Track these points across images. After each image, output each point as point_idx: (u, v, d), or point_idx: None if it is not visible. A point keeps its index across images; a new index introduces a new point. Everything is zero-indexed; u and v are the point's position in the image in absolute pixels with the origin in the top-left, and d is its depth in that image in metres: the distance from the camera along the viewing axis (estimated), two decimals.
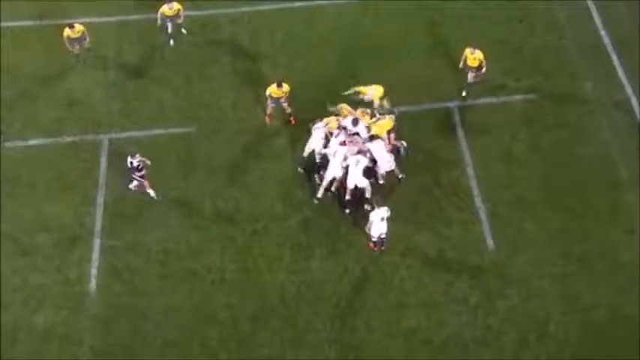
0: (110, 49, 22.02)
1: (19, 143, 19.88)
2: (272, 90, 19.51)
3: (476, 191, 18.70)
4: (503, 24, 22.34)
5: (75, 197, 18.85)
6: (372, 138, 18.35)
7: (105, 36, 22.28)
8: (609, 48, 21.45)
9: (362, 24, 22.47)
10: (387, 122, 18.64)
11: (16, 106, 20.62)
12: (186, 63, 21.56)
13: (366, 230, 17.26)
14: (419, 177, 18.98)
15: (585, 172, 18.92)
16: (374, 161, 18.23)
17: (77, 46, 20.91)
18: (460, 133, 19.86)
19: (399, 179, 18.65)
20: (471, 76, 20.10)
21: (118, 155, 19.64)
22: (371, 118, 18.77)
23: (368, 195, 18.02)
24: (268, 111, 19.93)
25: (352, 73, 20.95)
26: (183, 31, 21.88)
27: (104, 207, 18.66)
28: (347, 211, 18.22)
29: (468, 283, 17.13)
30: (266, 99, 19.74)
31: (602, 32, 21.79)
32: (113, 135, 20.10)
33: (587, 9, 22.48)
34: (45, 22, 22.70)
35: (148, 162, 18.37)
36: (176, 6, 21.20)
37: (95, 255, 17.81)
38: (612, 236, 17.85)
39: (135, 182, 18.63)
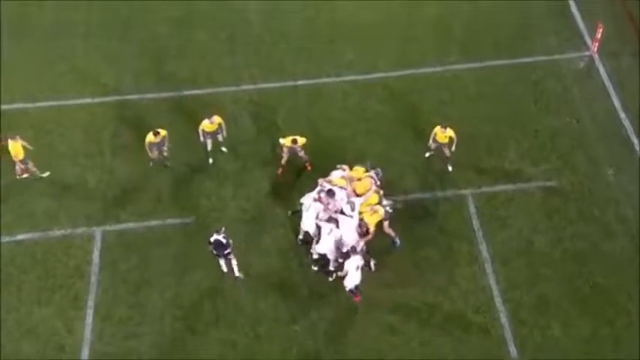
0: (105, 132, 21.00)
1: (7, 239, 18.66)
2: (286, 142, 19.08)
3: (495, 291, 17.38)
4: (517, 104, 21.37)
5: (64, 299, 17.55)
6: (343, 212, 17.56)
7: (99, 118, 21.33)
8: (630, 130, 20.39)
9: (369, 104, 21.50)
10: (376, 215, 17.58)
11: (6, 197, 19.45)
12: (185, 148, 20.46)
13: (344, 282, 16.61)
14: (434, 274, 17.71)
15: (613, 270, 17.61)
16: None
17: (156, 152, 19.60)
18: (476, 224, 18.64)
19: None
20: (446, 151, 19.31)
21: (110, 250, 18.44)
22: (377, 202, 17.76)
23: (331, 268, 17.34)
24: (283, 161, 19.36)
25: (359, 156, 19.89)
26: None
27: (95, 310, 17.34)
28: (315, 269, 17.63)
29: None
30: (281, 148, 19.18)
31: (622, 115, 20.75)
32: (107, 227, 18.89)
33: (605, 88, 21.50)
34: (38, 104, 21.77)
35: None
36: (217, 120, 19.62)
37: None
38: None
39: (230, 262, 17.44)
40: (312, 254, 17.67)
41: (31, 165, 19.58)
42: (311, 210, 17.66)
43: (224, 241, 17.05)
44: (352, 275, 16.51)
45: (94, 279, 17.89)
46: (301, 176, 19.54)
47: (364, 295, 17.19)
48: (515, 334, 16.62)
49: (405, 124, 20.81)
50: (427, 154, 19.82)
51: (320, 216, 17.53)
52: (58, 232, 18.80)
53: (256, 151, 20.36)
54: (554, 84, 21.75)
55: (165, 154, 19.75)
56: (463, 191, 19.31)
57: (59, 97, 21.94)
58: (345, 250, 17.08)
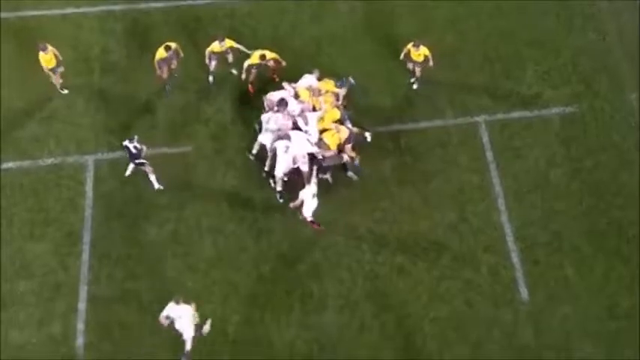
0: (93, 49, 19.49)
1: None
2: (253, 61, 17.89)
3: (508, 228, 16.65)
4: (538, 18, 19.77)
5: (58, 234, 16.78)
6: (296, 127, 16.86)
7: (86, 31, 19.73)
8: None
9: (376, 20, 19.87)
10: (338, 136, 16.66)
11: None
12: (179, 66, 18.99)
13: (299, 212, 16.00)
14: (443, 209, 16.91)
15: (633, 204, 16.78)
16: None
17: (166, 69, 18.13)
18: (489, 155, 17.63)
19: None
20: (417, 70, 18.14)
21: (104, 180, 17.50)
22: (339, 121, 16.94)
23: (278, 187, 16.71)
24: (251, 78, 18.21)
25: (366, 78, 18.57)
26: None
27: (90, 246, 16.62)
28: (280, 198, 16.95)
29: (499, 344, 15.29)
30: (248, 69, 17.95)
31: None
32: (99, 156, 17.84)
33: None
34: (18, 13, 20.05)
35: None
36: (228, 43, 18.09)
37: (82, 306, 15.90)
38: None
39: (147, 174, 17.07)
40: (266, 172, 16.99)
41: (58, 75, 18.32)
42: (271, 122, 16.79)
43: (134, 150, 16.55)
44: (309, 204, 15.86)
45: (88, 212, 17.08)
46: None
47: (372, 234, 16.52)
48: (527, 274, 16.04)
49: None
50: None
51: (279, 125, 16.77)
52: (47, 161, 17.79)
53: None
54: None
55: (173, 67, 18.31)
56: (476, 118, 18.16)
57: (41, 4, 20.19)
58: (302, 167, 16.50)
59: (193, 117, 18.40)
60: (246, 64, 17.98)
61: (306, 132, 16.71)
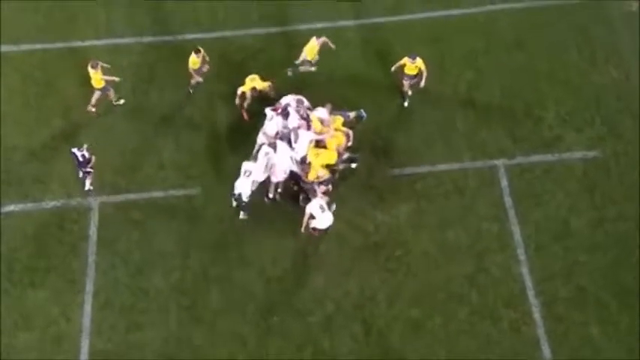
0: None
1: None
2: (245, 89, 17.57)
3: (528, 281, 15.92)
4: (559, 54, 19.08)
5: (60, 282, 16.15)
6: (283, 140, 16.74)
7: None
8: None
9: (391, 52, 19.09)
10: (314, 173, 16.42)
11: None
12: (187, 101, 18.38)
13: (308, 223, 15.72)
14: (460, 260, 16.20)
15: None
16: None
17: (199, 75, 18.14)
18: (508, 201, 16.91)
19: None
20: (406, 84, 17.76)
21: (108, 225, 16.86)
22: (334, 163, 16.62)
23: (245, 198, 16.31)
24: (245, 104, 17.85)
25: (378, 116, 17.95)
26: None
27: (94, 295, 15.99)
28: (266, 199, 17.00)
29: None
30: (241, 96, 17.58)
31: None
32: (104, 198, 17.20)
33: None
34: (22, 46, 19.50)
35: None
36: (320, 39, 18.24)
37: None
38: None
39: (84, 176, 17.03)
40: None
41: (111, 92, 18.18)
42: (272, 122, 16.71)
43: (81, 159, 16.58)
44: (320, 218, 15.63)
45: (91, 259, 16.45)
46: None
47: (386, 285, 15.83)
48: (549, 332, 15.30)
49: (430, 79, 18.40)
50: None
51: (279, 128, 16.79)
52: (50, 204, 17.17)
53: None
54: (602, 30, 19.40)
55: (205, 70, 18.16)
56: (495, 161, 17.45)
57: (45, 38, 19.62)
58: (274, 179, 16.44)
59: (201, 156, 17.77)
60: (239, 90, 17.61)
61: (292, 149, 16.51)
